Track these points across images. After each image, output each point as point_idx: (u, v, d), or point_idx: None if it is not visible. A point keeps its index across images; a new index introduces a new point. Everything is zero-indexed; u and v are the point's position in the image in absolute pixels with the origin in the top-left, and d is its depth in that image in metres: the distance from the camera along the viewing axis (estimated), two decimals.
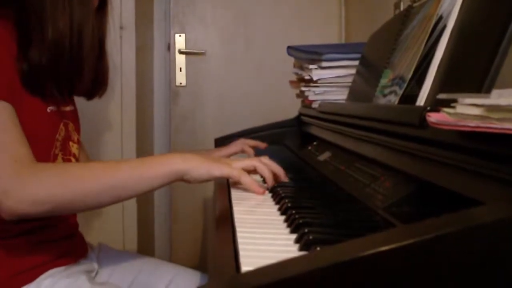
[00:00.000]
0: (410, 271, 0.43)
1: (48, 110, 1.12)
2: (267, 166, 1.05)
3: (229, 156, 1.49)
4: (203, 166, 0.98)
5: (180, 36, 2.68)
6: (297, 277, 0.42)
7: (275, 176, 1.07)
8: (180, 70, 2.70)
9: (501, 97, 0.55)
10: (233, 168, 1.01)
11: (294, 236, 0.72)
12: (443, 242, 0.42)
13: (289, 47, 1.81)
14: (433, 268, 0.43)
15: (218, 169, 0.99)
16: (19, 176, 0.93)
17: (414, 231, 0.43)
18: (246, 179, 1.01)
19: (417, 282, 0.43)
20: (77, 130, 1.26)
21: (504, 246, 0.43)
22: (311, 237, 0.66)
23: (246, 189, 1.03)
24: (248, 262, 0.61)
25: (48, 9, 1.05)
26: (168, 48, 2.70)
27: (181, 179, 0.99)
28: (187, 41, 2.69)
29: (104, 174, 0.97)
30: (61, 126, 1.17)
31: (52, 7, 1.05)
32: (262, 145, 1.56)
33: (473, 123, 0.57)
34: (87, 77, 1.16)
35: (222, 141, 1.81)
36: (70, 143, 1.20)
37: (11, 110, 0.99)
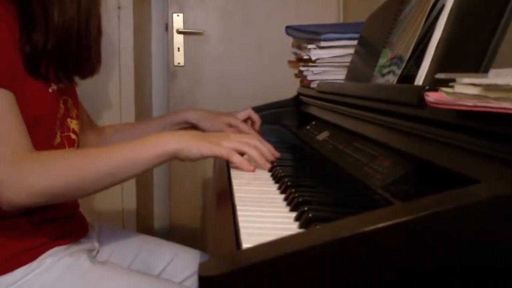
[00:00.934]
0: (407, 248, 0.44)
1: (50, 90, 1.12)
2: (257, 150, 1.06)
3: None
4: (194, 146, 0.99)
5: (178, 16, 2.67)
6: (297, 253, 0.43)
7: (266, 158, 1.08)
8: (178, 50, 2.70)
9: (498, 76, 0.56)
10: (223, 147, 1.01)
11: (294, 214, 0.73)
12: (440, 219, 0.43)
13: (287, 27, 1.81)
14: (430, 245, 0.44)
15: (208, 149, 1.00)
16: (16, 167, 0.94)
17: (412, 208, 0.44)
18: (235, 158, 1.02)
19: (414, 258, 0.44)
20: (76, 105, 1.27)
21: (499, 223, 0.44)
22: (310, 215, 0.67)
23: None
24: (249, 239, 0.61)
25: None
26: (166, 28, 2.69)
27: (175, 158, 1.01)
28: (185, 21, 2.68)
29: (99, 161, 0.98)
30: (61, 104, 1.17)
31: None
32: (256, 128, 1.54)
33: (470, 102, 0.57)
34: (95, 60, 1.18)
35: None
36: (68, 119, 1.21)
37: (11, 99, 0.99)
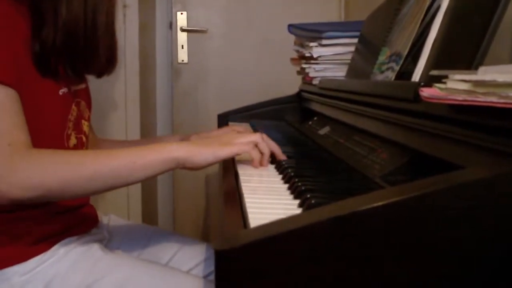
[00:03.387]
0: (399, 225, 0.49)
1: (60, 93, 1.15)
2: (266, 145, 1.08)
3: None
4: (207, 150, 0.99)
5: (182, 14, 2.71)
6: (300, 230, 0.48)
7: (272, 154, 1.11)
8: (182, 48, 2.74)
9: (486, 73, 0.60)
10: (236, 144, 1.03)
11: (297, 201, 0.78)
12: (429, 199, 0.48)
13: (290, 25, 1.85)
14: (420, 222, 0.49)
15: (223, 150, 1.00)
16: (11, 161, 0.93)
17: (404, 190, 0.49)
18: (254, 153, 1.04)
19: (406, 234, 0.49)
20: (89, 107, 1.30)
21: (481, 202, 0.49)
22: (313, 201, 0.72)
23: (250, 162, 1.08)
24: (255, 223, 0.65)
25: None
26: (170, 26, 2.73)
27: (183, 167, 1.00)
28: (188, 19, 2.72)
29: (96, 162, 0.97)
30: (73, 106, 1.20)
31: None
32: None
33: (460, 97, 0.62)
34: (103, 57, 1.19)
35: (225, 117, 1.87)
36: (82, 121, 1.24)
37: (15, 97, 0.99)
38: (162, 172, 1.00)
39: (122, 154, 0.99)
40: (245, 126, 1.59)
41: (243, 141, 1.05)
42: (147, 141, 1.52)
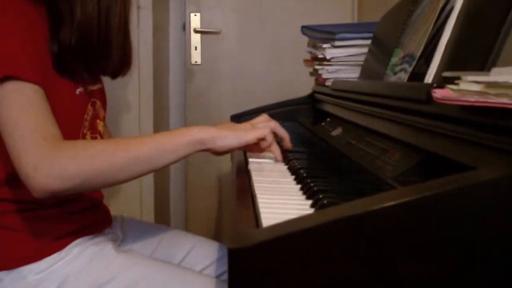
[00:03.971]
0: (410, 225, 0.49)
1: (77, 92, 1.17)
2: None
3: None
4: (230, 134, 1.04)
5: (195, 15, 2.72)
6: (313, 229, 0.48)
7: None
8: (196, 49, 2.75)
9: (499, 74, 0.61)
10: (258, 129, 1.08)
11: (309, 202, 0.79)
12: (440, 199, 0.49)
13: (303, 27, 1.85)
14: (431, 222, 0.49)
15: (247, 135, 1.06)
16: (48, 152, 0.96)
17: (415, 190, 0.50)
18: (270, 137, 1.10)
19: (417, 234, 0.49)
20: (104, 107, 1.31)
21: (492, 203, 0.49)
22: (325, 202, 0.72)
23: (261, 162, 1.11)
24: (268, 223, 0.66)
25: None
26: (184, 27, 2.75)
27: (206, 149, 1.04)
28: (202, 20, 2.73)
29: (129, 148, 1.00)
30: (89, 106, 1.21)
31: None
32: None
33: (473, 98, 0.62)
34: (116, 57, 1.20)
35: (238, 118, 1.87)
36: (97, 121, 1.25)
37: (43, 93, 1.02)
38: (188, 155, 1.04)
39: (151, 139, 1.03)
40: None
41: (262, 128, 1.09)
42: None
